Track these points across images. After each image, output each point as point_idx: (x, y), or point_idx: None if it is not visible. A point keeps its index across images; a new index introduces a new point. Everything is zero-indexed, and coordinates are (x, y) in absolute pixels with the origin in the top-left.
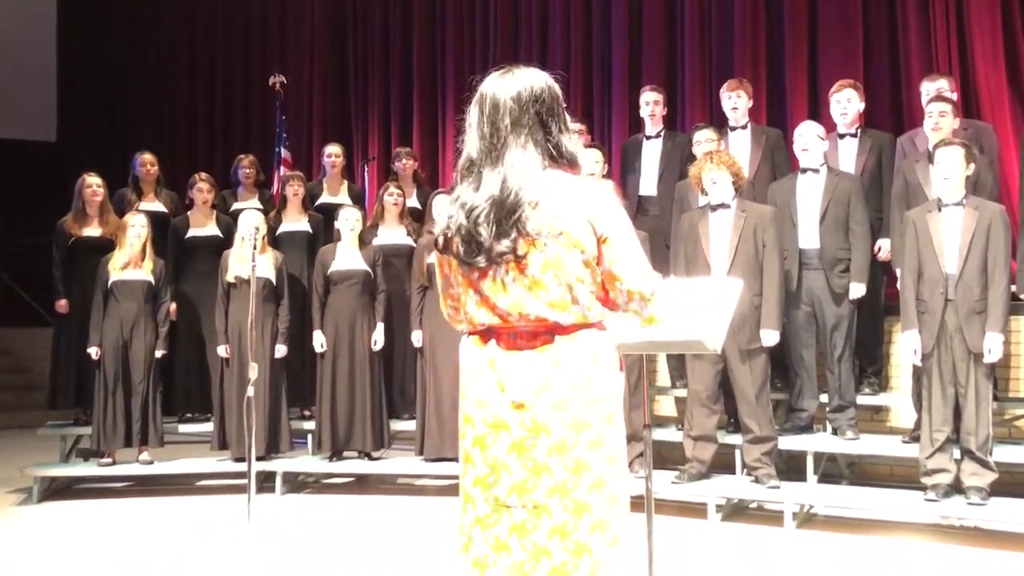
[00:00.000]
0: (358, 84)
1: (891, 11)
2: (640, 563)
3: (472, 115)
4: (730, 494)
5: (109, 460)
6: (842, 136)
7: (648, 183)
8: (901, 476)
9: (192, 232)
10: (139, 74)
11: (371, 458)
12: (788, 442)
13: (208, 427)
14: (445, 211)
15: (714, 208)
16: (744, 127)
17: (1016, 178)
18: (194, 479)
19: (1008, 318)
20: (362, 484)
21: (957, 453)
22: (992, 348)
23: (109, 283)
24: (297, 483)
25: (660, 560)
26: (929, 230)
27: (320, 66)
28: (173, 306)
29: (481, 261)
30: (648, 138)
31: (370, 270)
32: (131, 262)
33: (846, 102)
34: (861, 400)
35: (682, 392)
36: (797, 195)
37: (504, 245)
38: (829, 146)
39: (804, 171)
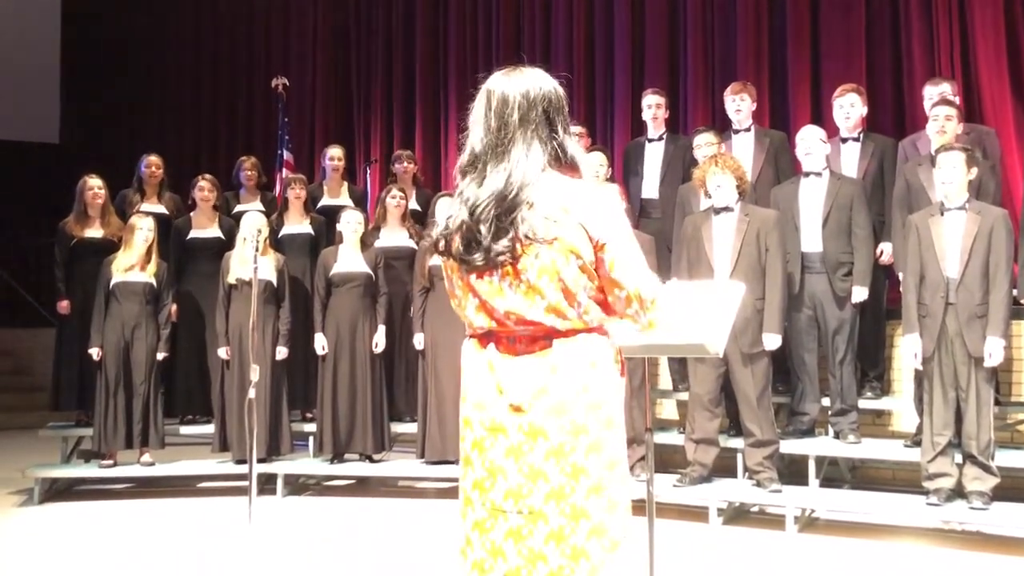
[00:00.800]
0: (360, 86)
1: (894, 14)
2: (641, 567)
3: (478, 110)
4: (732, 498)
5: (110, 461)
6: (845, 140)
7: (650, 186)
8: (903, 480)
9: (194, 234)
10: (142, 77)
11: (372, 460)
12: (790, 446)
13: (209, 429)
14: (446, 212)
15: (717, 211)
16: (747, 130)
17: (1018, 182)
18: (195, 481)
19: (1009, 322)
20: (363, 486)
21: (959, 457)
22: (993, 352)
23: (111, 284)
24: (298, 485)
25: (661, 564)
26: (931, 234)
27: (322, 68)
28: (174, 308)
29: (479, 259)
30: (650, 141)
31: (372, 272)
32: (135, 264)
33: (849, 106)
34: (863, 404)
35: (684, 395)
36: (800, 199)
37: (502, 245)
38: (832, 150)
39: (807, 175)
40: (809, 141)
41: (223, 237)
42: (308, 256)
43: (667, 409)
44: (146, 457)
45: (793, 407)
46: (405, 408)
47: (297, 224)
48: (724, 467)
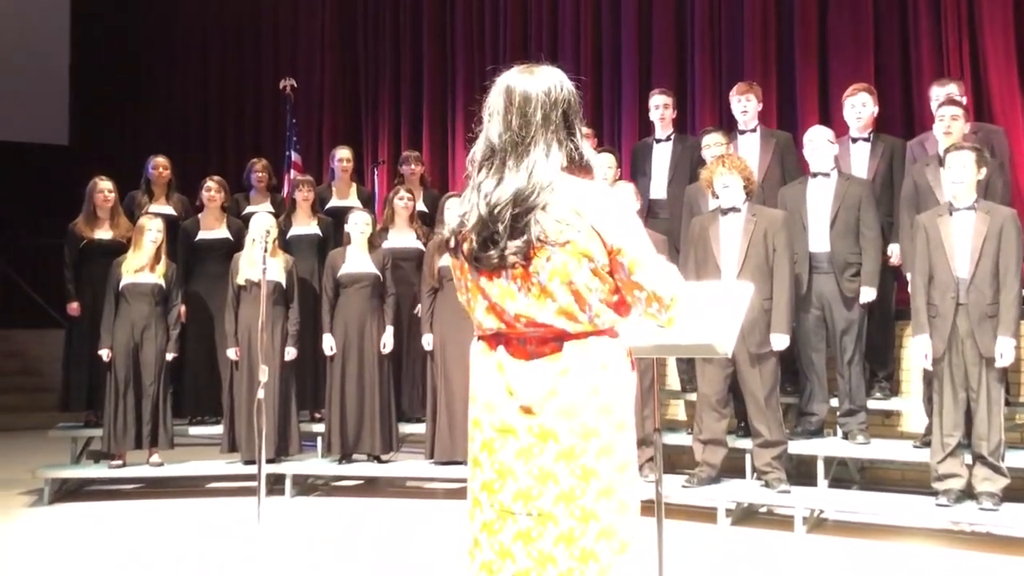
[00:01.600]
0: (368, 88)
1: (902, 14)
2: (650, 568)
3: (497, 104)
4: (740, 498)
5: (119, 462)
6: (854, 140)
7: (658, 186)
8: (912, 481)
9: (202, 235)
10: (151, 79)
11: (380, 461)
12: (798, 446)
13: (218, 429)
14: (458, 208)
15: (724, 212)
16: (754, 130)
17: None
18: (204, 481)
19: (1020, 322)
20: (371, 487)
21: (969, 458)
22: (1004, 352)
23: (120, 286)
24: (307, 485)
25: (670, 565)
26: (940, 234)
27: (330, 70)
28: (183, 308)
29: (494, 258)
30: (658, 141)
31: (380, 273)
32: (144, 265)
33: (861, 106)
34: (872, 404)
35: (692, 396)
36: (808, 199)
37: (515, 246)
38: (841, 150)
39: (815, 175)
40: (817, 141)
41: (231, 238)
42: (316, 257)
43: (675, 410)
44: (155, 458)
45: (801, 407)
46: (413, 408)
47: (305, 225)
48: (732, 468)
